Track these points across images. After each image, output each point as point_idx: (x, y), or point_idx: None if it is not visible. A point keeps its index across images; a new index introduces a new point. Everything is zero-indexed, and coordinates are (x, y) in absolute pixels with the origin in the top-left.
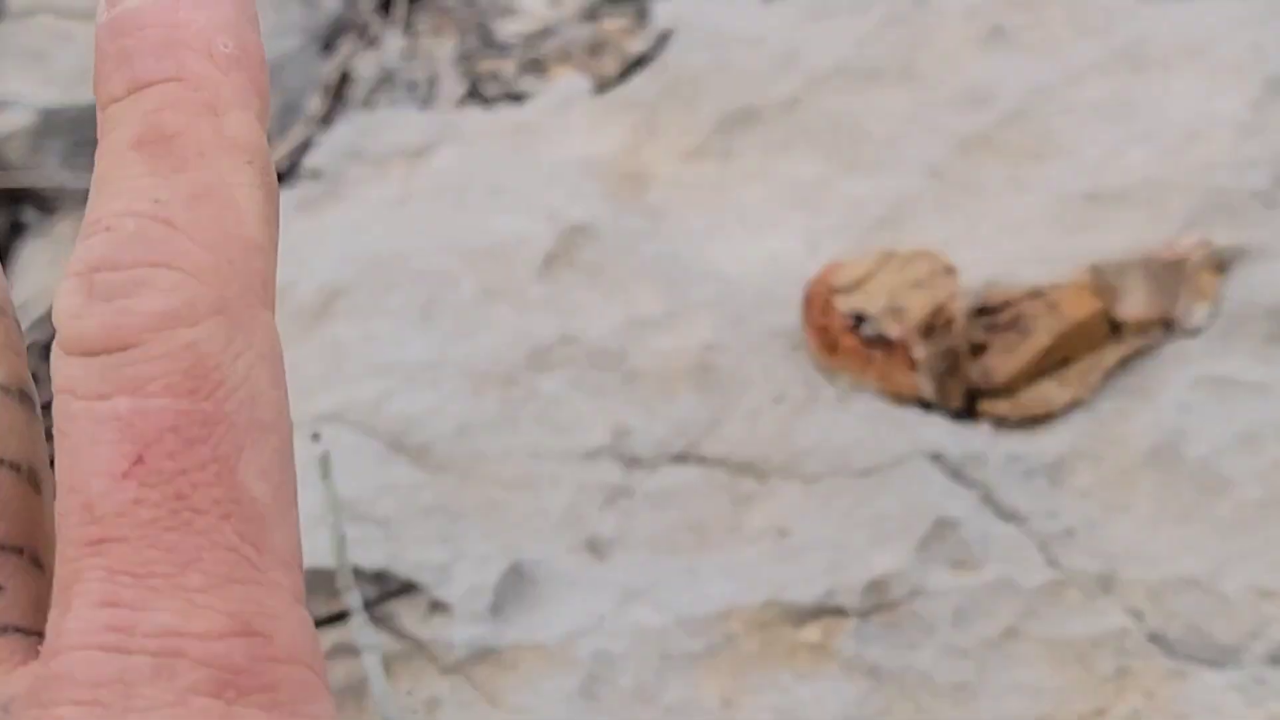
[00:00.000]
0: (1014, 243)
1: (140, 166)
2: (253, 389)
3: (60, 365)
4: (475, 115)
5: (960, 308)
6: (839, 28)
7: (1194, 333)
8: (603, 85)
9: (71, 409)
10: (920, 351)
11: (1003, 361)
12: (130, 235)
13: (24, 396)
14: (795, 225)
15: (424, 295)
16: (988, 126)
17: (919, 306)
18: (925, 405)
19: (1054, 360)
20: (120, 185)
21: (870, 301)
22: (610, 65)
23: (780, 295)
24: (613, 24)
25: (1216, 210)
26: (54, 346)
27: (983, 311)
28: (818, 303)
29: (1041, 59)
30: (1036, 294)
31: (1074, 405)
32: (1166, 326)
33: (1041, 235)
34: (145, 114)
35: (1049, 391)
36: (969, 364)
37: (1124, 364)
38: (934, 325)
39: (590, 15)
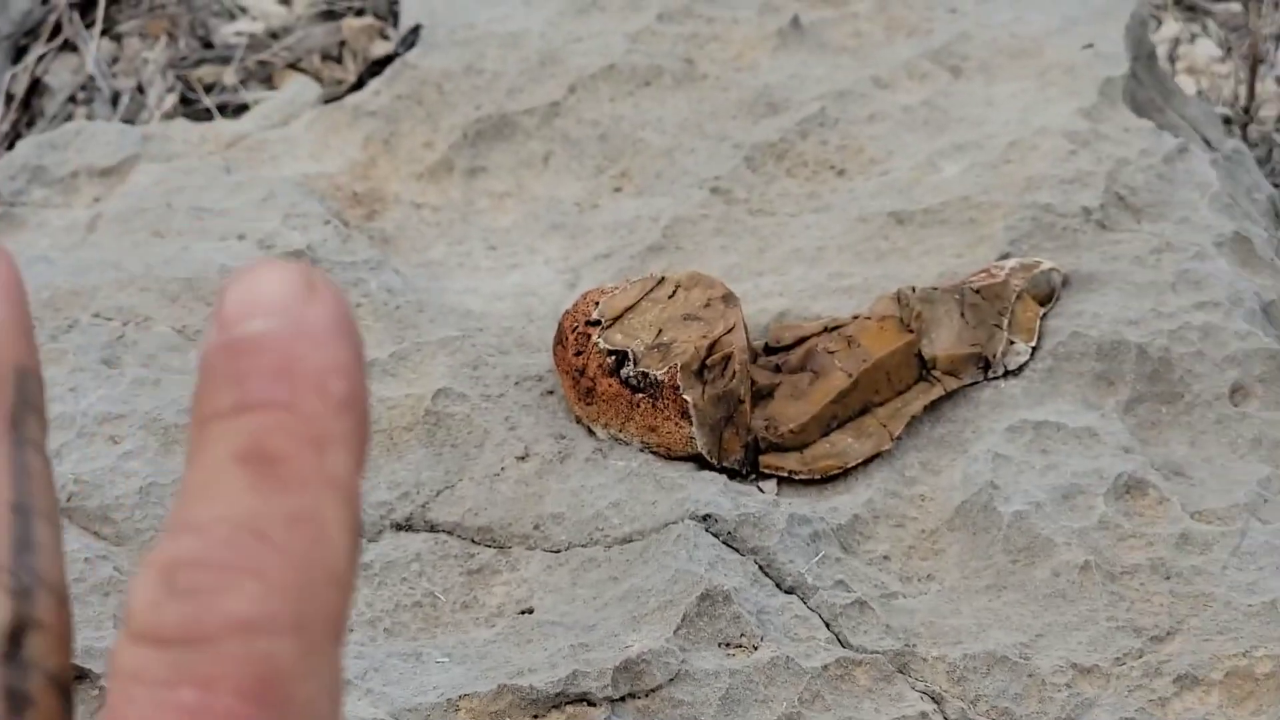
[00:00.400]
0: (809, 269)
1: (241, 480)
2: (313, 715)
3: (126, 652)
4: (184, 128)
5: (741, 345)
6: (609, 23)
7: (1013, 373)
8: (334, 93)
9: (133, 692)
10: (692, 396)
11: (791, 408)
12: (222, 540)
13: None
14: (552, 253)
15: (107, 337)
16: (781, 136)
17: (691, 342)
18: (698, 461)
19: (852, 406)
20: (217, 493)
21: (633, 337)
22: (349, 70)
23: (530, 334)
24: (356, 23)
25: (1042, 233)
26: (121, 633)
27: (770, 349)
28: (572, 339)
29: (846, 59)
30: (833, 328)
31: (874, 458)
32: (982, 365)
33: (841, 260)
34: (252, 433)
35: (845, 443)
36: (751, 411)
37: (933, 409)
38: (709, 365)
39: (329, 14)
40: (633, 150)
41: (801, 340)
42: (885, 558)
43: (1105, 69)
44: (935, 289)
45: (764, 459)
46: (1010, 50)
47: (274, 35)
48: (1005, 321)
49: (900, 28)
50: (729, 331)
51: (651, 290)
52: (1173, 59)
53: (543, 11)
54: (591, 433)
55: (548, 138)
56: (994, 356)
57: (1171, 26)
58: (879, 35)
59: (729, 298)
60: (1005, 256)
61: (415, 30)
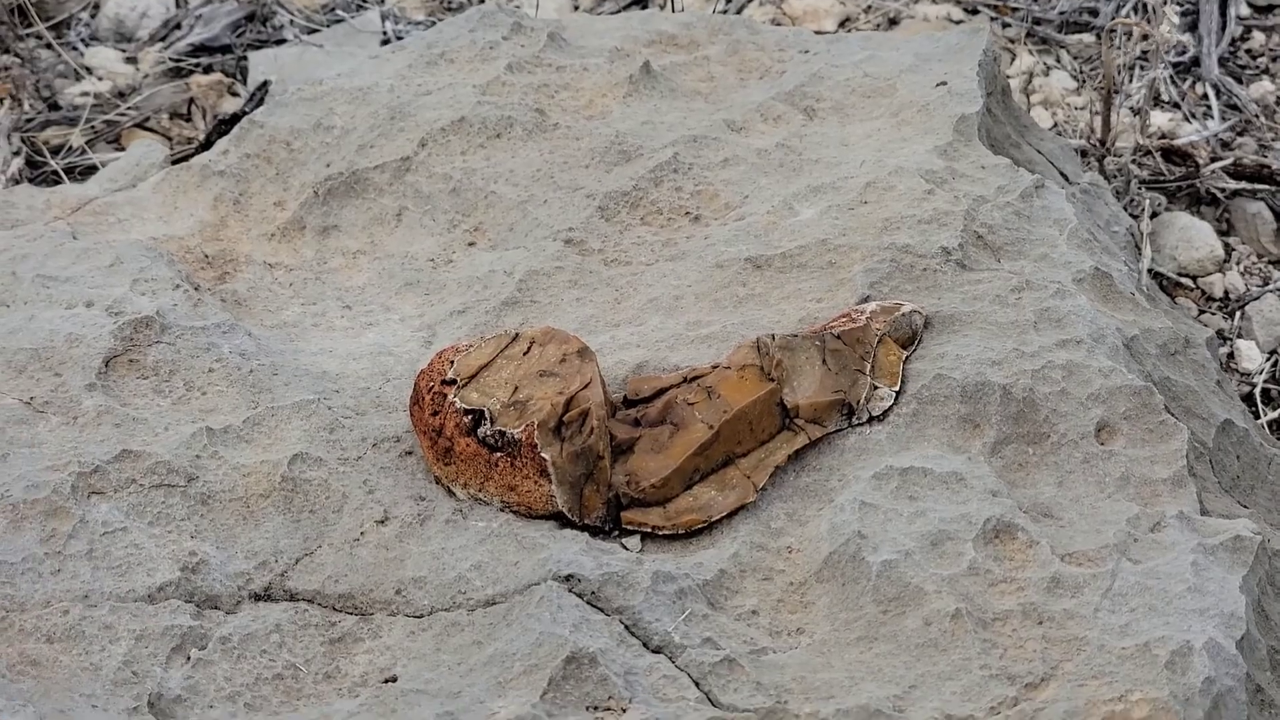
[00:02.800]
0: (666, 319)
1: None
2: None
3: None
4: (28, 194)
5: (598, 400)
6: (459, 75)
7: (878, 418)
8: (182, 153)
9: None
10: (550, 454)
11: (652, 462)
12: None
13: None
14: (407, 311)
15: None
16: (635, 184)
17: (547, 399)
18: (559, 519)
19: (714, 458)
20: None
21: (489, 396)
22: (199, 128)
23: (387, 394)
24: (204, 80)
25: (901, 274)
26: None
27: (630, 402)
28: (428, 399)
29: (699, 103)
30: (693, 378)
31: (738, 510)
32: (846, 412)
33: (699, 309)
34: None
35: (708, 496)
36: (612, 467)
37: (797, 458)
38: (566, 422)
39: (176, 71)
40: (485, 204)
41: (661, 392)
42: (753, 612)
43: (959, 106)
44: (795, 336)
45: (626, 515)
46: (864, 90)
47: (121, 95)
48: (868, 366)
49: (752, 70)
50: (585, 387)
51: (506, 347)
52: (1028, 92)
53: (391, 65)
54: (451, 493)
55: (400, 193)
56: (858, 402)
57: (1025, 59)
58: (731, 78)
59: (584, 352)
60: (865, 300)
61: (264, 86)
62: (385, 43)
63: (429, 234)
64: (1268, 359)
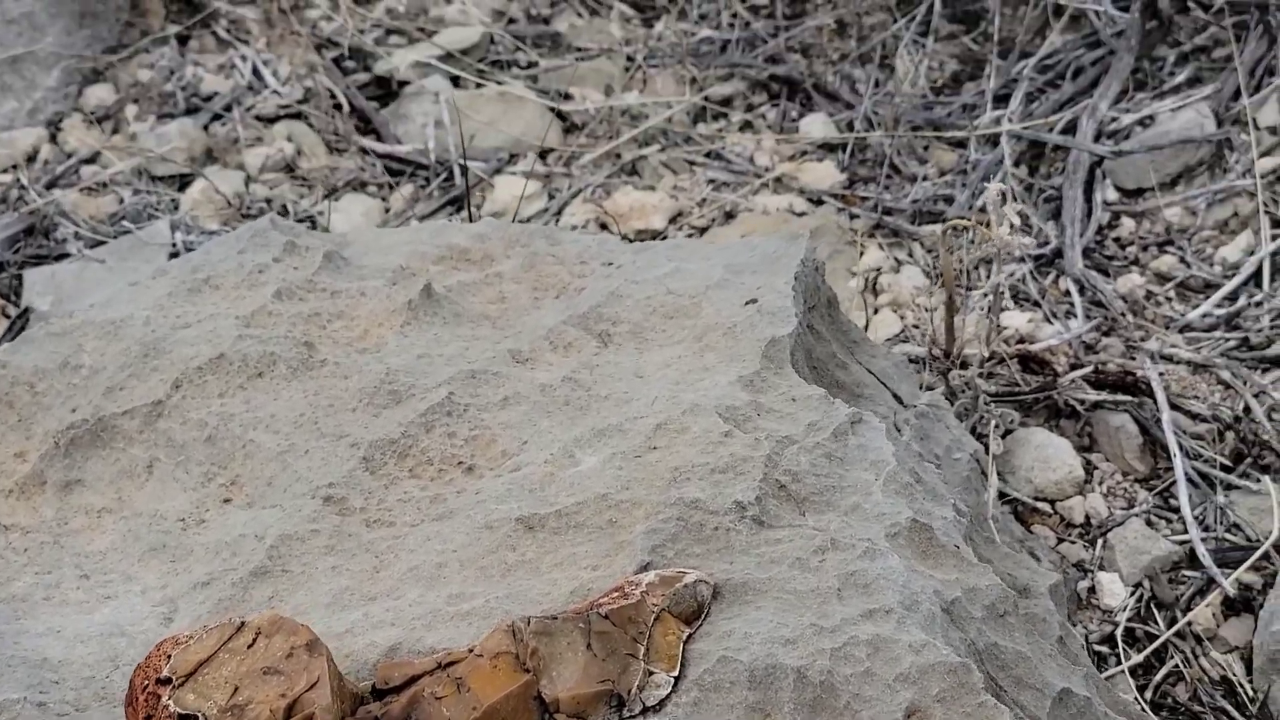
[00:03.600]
0: (425, 591)
1: None
2: None
3: None
4: None
5: (325, 703)
6: (222, 304)
7: (653, 708)
8: None
9: None
10: None
11: None
12: None
13: None
14: (150, 581)
15: None
16: (404, 429)
17: (267, 704)
18: None
19: None
20: None
21: (207, 698)
22: None
23: (114, 686)
24: None
25: (689, 534)
26: None
27: (378, 692)
28: (142, 701)
29: (485, 329)
30: (447, 663)
31: None
32: (615, 704)
33: (462, 579)
34: None
35: None
36: None
37: None
38: None
39: None
40: (243, 454)
41: (411, 680)
42: None
43: (770, 328)
44: (554, 618)
45: None
46: (666, 309)
47: None
48: (642, 649)
49: (549, 287)
50: (311, 688)
51: (229, 639)
52: (875, 291)
53: (150, 293)
54: None
55: (150, 442)
56: (629, 692)
57: (874, 255)
58: (524, 298)
59: (313, 645)
60: (645, 567)
61: (24, 315)
62: (175, 255)
63: (181, 489)
64: (1131, 593)
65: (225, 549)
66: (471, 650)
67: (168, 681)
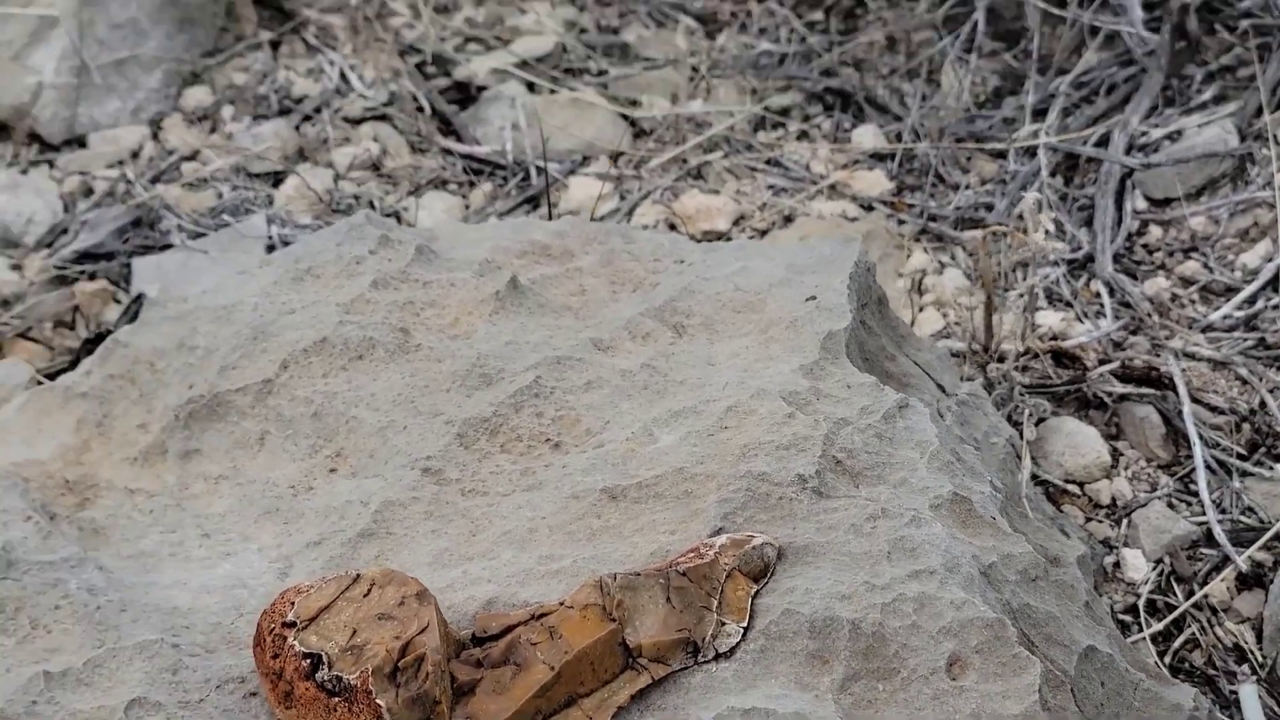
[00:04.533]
0: (519, 553)
1: None
2: None
3: None
4: None
5: (434, 645)
6: (323, 292)
7: (725, 655)
8: (51, 369)
9: None
10: (385, 700)
11: (493, 704)
12: None
13: None
14: (265, 540)
15: None
16: (495, 409)
17: (383, 644)
18: None
19: (556, 699)
20: None
21: (328, 639)
22: (80, 339)
23: (239, 630)
24: (88, 288)
25: (756, 504)
26: None
27: (478, 640)
28: (269, 641)
29: (567, 320)
30: (539, 615)
31: None
32: (691, 650)
33: (552, 542)
34: None
35: None
36: (452, 710)
37: (641, 697)
38: (402, 667)
39: (61, 279)
40: (346, 429)
41: (508, 629)
42: None
43: (828, 322)
44: (638, 574)
45: None
46: (734, 304)
47: (5, 303)
48: (715, 603)
49: (625, 282)
50: (422, 631)
51: (347, 589)
52: (920, 291)
53: (257, 282)
54: None
55: (261, 417)
56: (704, 640)
57: (919, 258)
58: (603, 291)
59: (423, 595)
60: (718, 532)
61: (138, 300)
62: (271, 248)
63: (290, 459)
64: (1153, 568)
65: (333, 513)
66: (562, 603)
67: (292, 625)
